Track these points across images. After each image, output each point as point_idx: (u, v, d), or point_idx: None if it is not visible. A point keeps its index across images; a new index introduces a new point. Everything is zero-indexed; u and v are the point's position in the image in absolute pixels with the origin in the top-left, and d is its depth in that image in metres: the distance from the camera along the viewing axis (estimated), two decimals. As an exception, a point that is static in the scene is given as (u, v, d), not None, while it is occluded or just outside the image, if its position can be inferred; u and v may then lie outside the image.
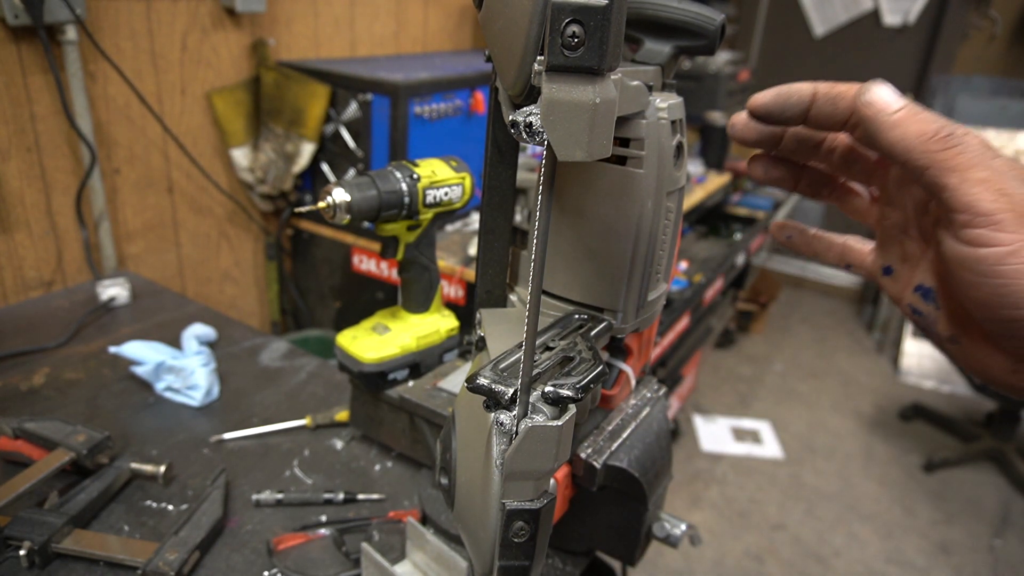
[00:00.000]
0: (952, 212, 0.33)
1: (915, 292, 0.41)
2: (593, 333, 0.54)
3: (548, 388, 0.43)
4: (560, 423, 0.42)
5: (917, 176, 0.35)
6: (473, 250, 1.55)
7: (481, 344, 0.60)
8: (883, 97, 0.36)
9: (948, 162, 0.33)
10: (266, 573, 0.73)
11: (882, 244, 0.44)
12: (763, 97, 0.43)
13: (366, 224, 0.74)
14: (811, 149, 0.46)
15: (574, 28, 0.34)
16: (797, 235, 0.48)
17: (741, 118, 0.45)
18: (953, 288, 0.37)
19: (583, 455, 0.64)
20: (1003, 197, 0.32)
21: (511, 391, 0.43)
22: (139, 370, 1.02)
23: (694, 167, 2.48)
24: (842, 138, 0.45)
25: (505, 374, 0.45)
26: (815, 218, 3.39)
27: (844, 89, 0.40)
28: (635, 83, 0.49)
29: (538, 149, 0.40)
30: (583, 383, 0.44)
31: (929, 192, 0.35)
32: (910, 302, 0.41)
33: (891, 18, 3.28)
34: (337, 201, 0.69)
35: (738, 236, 2.34)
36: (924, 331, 0.41)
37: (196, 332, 1.12)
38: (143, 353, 1.02)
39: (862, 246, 0.46)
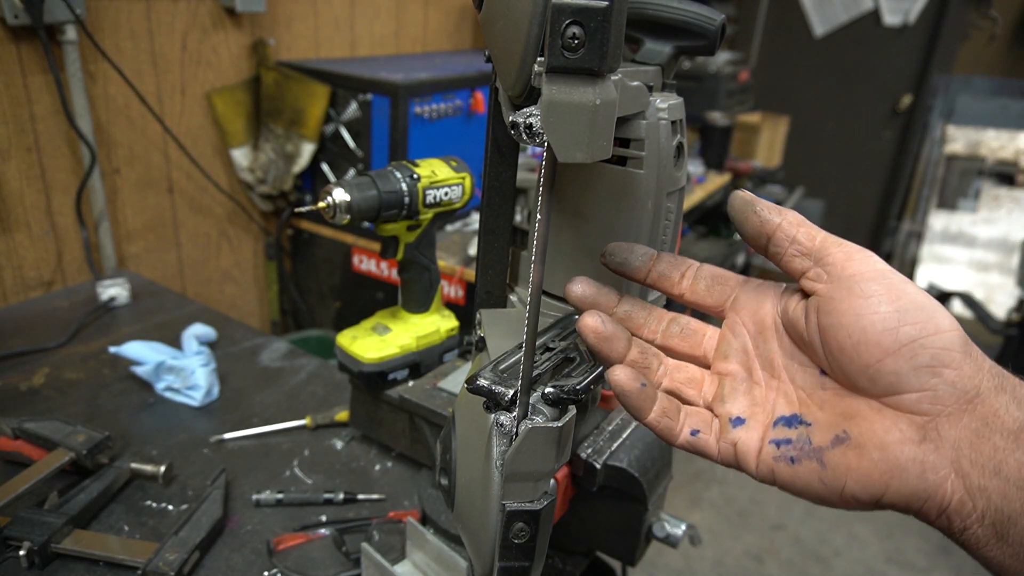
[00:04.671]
0: (830, 252, 0.37)
1: (775, 427, 0.39)
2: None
3: (548, 389, 0.43)
4: (560, 424, 0.42)
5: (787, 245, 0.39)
6: (473, 250, 1.55)
7: (481, 344, 0.60)
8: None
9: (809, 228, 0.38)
10: (266, 573, 0.73)
11: (724, 401, 0.41)
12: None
13: (366, 224, 0.74)
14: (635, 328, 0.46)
15: (574, 29, 0.34)
16: (651, 386, 0.43)
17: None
18: (841, 352, 0.35)
19: (583, 455, 0.64)
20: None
21: (511, 392, 0.43)
22: (139, 370, 1.02)
23: (694, 167, 2.48)
24: (663, 323, 0.45)
25: (505, 375, 0.45)
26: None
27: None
28: (635, 83, 0.49)
29: (538, 149, 0.40)
30: (583, 384, 0.44)
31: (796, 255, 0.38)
32: (772, 438, 0.38)
33: (891, 18, 3.28)
34: (337, 201, 0.69)
35: (738, 236, 2.34)
36: (792, 465, 0.37)
37: (196, 332, 1.12)
38: (143, 353, 1.02)
39: (709, 414, 0.43)
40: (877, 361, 0.34)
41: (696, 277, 0.44)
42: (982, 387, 0.33)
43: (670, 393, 0.43)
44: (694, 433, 0.41)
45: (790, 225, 0.38)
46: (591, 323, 0.42)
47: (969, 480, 0.32)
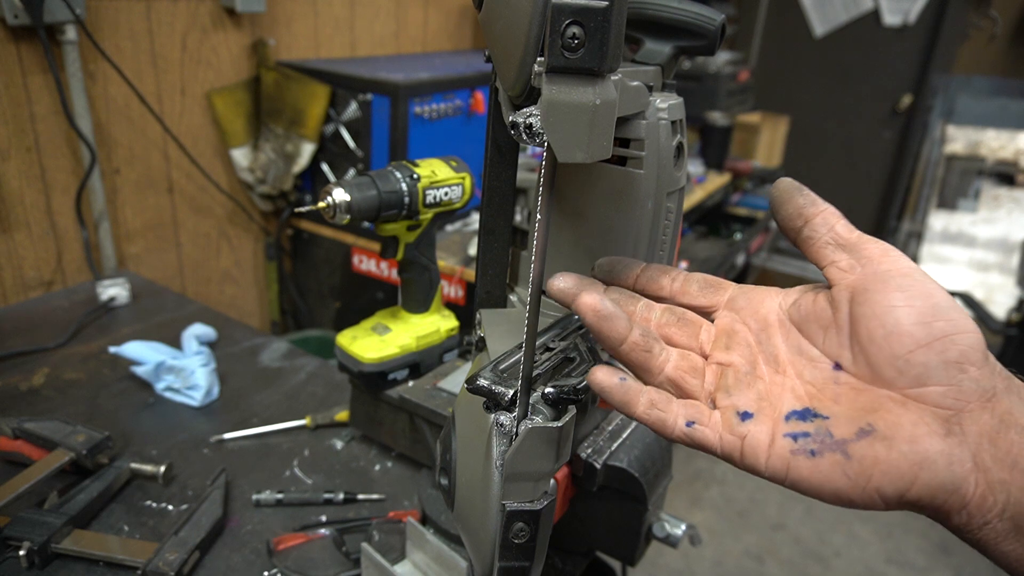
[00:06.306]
0: (866, 247, 0.38)
1: (788, 421, 0.37)
2: (593, 333, 0.54)
3: (548, 389, 0.43)
4: (560, 424, 0.42)
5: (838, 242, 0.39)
6: (473, 250, 1.55)
7: (481, 344, 0.60)
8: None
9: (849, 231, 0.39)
10: (266, 573, 0.73)
11: (729, 393, 0.40)
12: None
13: (366, 224, 0.74)
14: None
15: (574, 29, 0.34)
16: (631, 379, 0.41)
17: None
18: (870, 342, 0.36)
19: (583, 455, 0.64)
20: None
21: (511, 392, 0.43)
22: (139, 370, 1.02)
23: (694, 167, 2.48)
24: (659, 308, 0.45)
25: (505, 375, 0.45)
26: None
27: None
28: (635, 83, 0.49)
29: (538, 149, 0.40)
30: (583, 384, 0.44)
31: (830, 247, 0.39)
32: (787, 431, 0.37)
33: (891, 18, 3.28)
34: (337, 201, 0.69)
35: (738, 236, 2.34)
36: (812, 458, 0.36)
37: (196, 332, 1.12)
38: (143, 353, 1.02)
39: (705, 406, 0.41)
40: (908, 352, 0.34)
41: (687, 280, 0.45)
42: (997, 388, 0.34)
43: (673, 382, 0.41)
44: (690, 424, 0.39)
45: (832, 215, 0.40)
46: (589, 301, 0.40)
47: (990, 474, 0.33)
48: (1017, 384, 0.35)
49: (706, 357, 0.42)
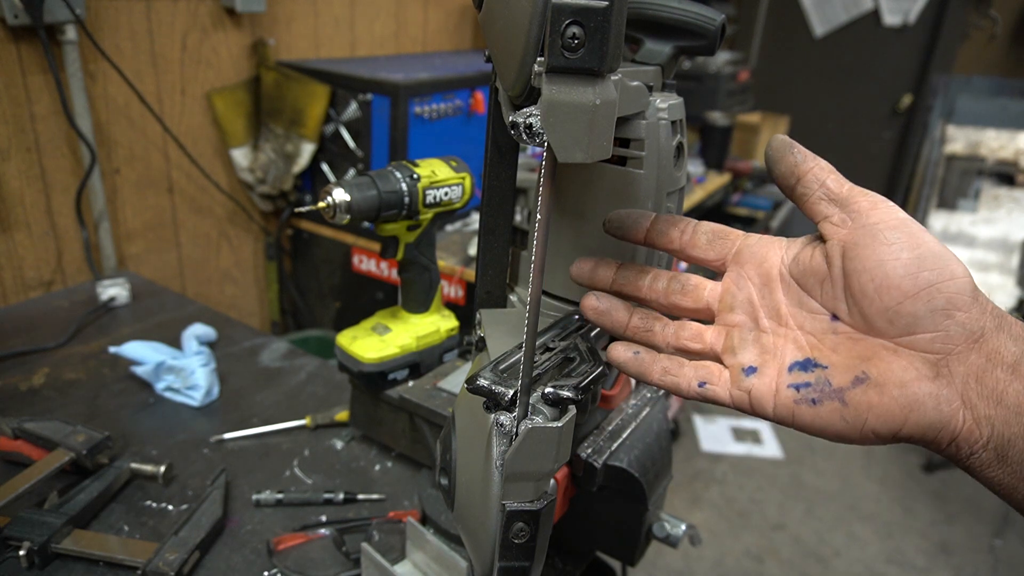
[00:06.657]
0: (856, 201, 0.39)
1: (791, 372, 0.40)
2: (593, 334, 0.54)
3: (548, 389, 0.43)
4: (560, 424, 0.42)
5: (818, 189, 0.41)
6: (473, 250, 1.55)
7: (481, 344, 0.60)
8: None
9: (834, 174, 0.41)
10: (266, 573, 0.73)
11: (735, 353, 0.43)
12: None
13: (366, 224, 0.74)
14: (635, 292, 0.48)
15: (574, 29, 0.34)
16: (644, 352, 0.46)
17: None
18: (862, 295, 0.37)
19: (583, 455, 0.64)
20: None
21: (511, 392, 0.43)
22: (139, 370, 1.02)
23: (694, 167, 2.48)
24: (663, 276, 0.47)
25: (505, 375, 0.45)
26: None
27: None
28: (635, 83, 0.49)
29: (538, 149, 0.40)
30: (583, 384, 0.44)
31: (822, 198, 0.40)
32: (790, 382, 0.40)
33: (891, 18, 3.28)
34: (337, 201, 0.69)
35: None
36: (814, 406, 0.39)
37: (196, 332, 1.12)
38: (143, 353, 1.02)
39: (715, 366, 0.44)
40: (897, 304, 0.36)
41: (695, 232, 0.46)
42: (986, 328, 0.36)
43: (678, 350, 0.46)
44: (702, 385, 0.43)
45: (821, 170, 0.41)
46: (588, 303, 0.47)
47: (976, 411, 0.35)
48: (1009, 321, 0.37)
49: (712, 319, 0.46)
